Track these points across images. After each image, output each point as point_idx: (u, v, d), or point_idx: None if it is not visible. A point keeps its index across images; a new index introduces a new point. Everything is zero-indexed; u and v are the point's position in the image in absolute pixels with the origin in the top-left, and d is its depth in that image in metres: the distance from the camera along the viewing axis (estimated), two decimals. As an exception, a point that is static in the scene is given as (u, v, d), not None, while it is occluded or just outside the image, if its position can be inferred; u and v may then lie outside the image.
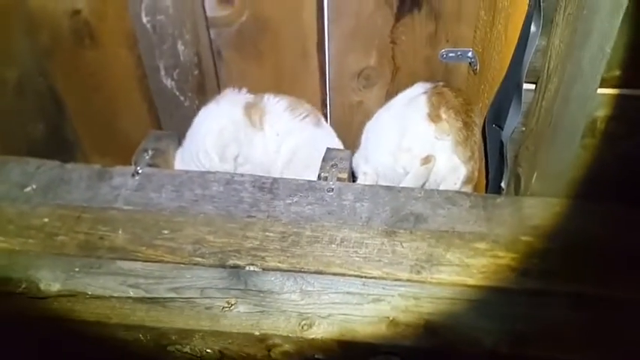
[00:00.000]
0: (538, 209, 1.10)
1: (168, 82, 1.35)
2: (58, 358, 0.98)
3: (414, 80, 1.34)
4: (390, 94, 1.38)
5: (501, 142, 1.18)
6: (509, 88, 1.14)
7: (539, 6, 1.01)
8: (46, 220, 1.06)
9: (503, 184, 1.22)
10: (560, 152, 1.11)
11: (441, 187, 1.23)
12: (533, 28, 1.05)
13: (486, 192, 1.25)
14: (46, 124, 1.46)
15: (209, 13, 1.28)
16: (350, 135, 1.45)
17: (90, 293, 0.93)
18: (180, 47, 1.29)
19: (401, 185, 1.25)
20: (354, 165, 1.34)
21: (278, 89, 1.34)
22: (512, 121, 1.15)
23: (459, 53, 1.32)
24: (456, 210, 1.10)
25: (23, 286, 0.94)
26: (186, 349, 0.92)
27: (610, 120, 1.16)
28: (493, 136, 1.18)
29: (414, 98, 1.23)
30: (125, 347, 0.93)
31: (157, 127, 1.45)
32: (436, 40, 1.30)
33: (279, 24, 1.29)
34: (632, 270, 0.97)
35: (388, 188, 1.16)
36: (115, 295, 0.93)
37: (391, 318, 0.90)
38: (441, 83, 1.27)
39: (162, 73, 1.33)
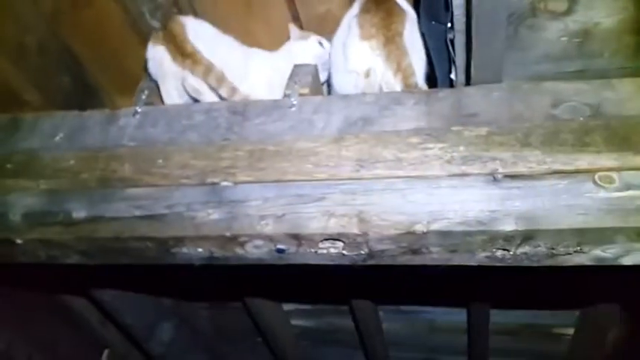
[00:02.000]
0: (476, 97, 1.20)
1: (155, 23, 1.52)
2: (92, 268, 1.31)
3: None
4: (347, 3, 1.46)
5: (446, 37, 1.26)
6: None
7: None
8: (72, 162, 1.34)
9: (453, 76, 1.31)
10: (489, 40, 1.18)
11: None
12: None
13: (436, 86, 1.35)
14: (71, 76, 1.73)
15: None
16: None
17: (107, 216, 1.22)
18: (156, -8, 1.45)
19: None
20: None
21: (249, 13, 1.48)
22: (448, 15, 1.22)
23: None
24: (400, 109, 1.23)
25: (61, 216, 1.25)
26: (184, 250, 1.20)
27: (548, -1, 1.19)
28: (435, 33, 1.26)
29: (350, 21, 1.33)
30: (141, 254, 1.23)
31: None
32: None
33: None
34: (548, 146, 1.08)
35: (343, 97, 1.30)
36: (126, 215, 1.22)
37: (331, 212, 1.11)
38: None
39: (148, 16, 1.50)
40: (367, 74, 1.29)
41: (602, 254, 1.02)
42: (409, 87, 1.29)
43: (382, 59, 1.27)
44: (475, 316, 2.29)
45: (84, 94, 1.77)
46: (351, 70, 1.32)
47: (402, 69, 1.27)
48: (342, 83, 1.38)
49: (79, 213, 1.24)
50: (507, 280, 2.03)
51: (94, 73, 1.72)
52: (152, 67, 1.44)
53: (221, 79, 1.36)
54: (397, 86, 1.29)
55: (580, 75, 1.30)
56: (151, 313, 2.26)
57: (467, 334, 2.43)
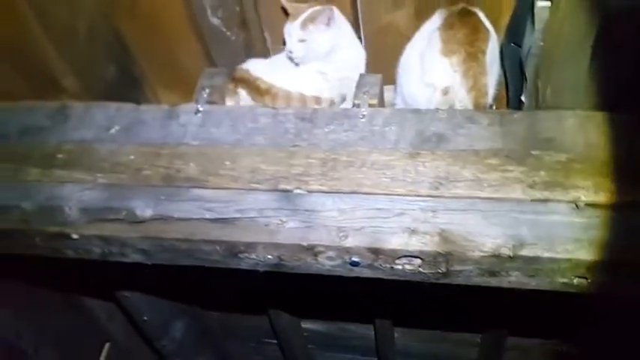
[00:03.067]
0: (551, 122, 1.21)
1: (215, 21, 1.49)
2: (158, 269, 1.27)
3: (439, -4, 1.41)
4: (419, 14, 1.46)
5: (520, 59, 1.27)
6: (524, 8, 1.20)
7: None
8: (132, 157, 1.30)
9: (523, 98, 1.32)
10: (571, 66, 1.20)
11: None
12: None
13: (507, 107, 1.36)
14: (116, 65, 1.68)
15: (246, -43, 1.39)
16: (383, 54, 1.57)
17: (176, 216, 1.19)
18: (222, -12, 1.42)
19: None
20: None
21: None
22: (529, 38, 1.23)
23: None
24: (475, 128, 1.23)
25: (124, 213, 1.22)
26: (252, 256, 1.18)
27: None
28: (512, 54, 1.27)
29: (431, 34, 1.32)
30: (207, 257, 1.20)
31: (209, 61, 1.62)
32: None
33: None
34: (629, 176, 1.10)
35: (414, 111, 1.30)
36: (195, 217, 1.19)
37: (412, 228, 1.10)
38: (457, 8, 1.34)
39: (209, 12, 1.47)
40: (445, 92, 1.29)
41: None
42: (479, 106, 1.30)
43: (460, 75, 1.28)
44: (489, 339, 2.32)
45: (126, 85, 1.73)
46: (429, 84, 1.32)
47: (477, 87, 1.28)
48: (416, 93, 1.38)
49: (145, 211, 1.21)
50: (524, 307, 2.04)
51: (142, 64, 1.68)
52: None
53: (303, 99, 1.36)
54: (469, 104, 1.30)
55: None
56: (166, 312, 2.22)
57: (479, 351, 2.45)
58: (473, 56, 1.27)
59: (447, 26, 1.31)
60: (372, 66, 1.63)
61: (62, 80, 1.73)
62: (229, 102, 1.50)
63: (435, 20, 1.36)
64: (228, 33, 1.51)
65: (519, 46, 1.25)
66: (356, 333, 2.59)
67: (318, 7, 1.43)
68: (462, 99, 1.30)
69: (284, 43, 1.49)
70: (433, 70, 1.30)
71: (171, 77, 1.69)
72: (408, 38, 1.46)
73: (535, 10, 1.19)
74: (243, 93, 1.48)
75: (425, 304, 2.21)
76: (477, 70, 1.27)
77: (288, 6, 1.46)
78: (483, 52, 1.28)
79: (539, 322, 2.24)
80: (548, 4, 1.19)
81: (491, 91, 1.33)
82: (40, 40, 1.60)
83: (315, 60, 1.45)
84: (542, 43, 1.25)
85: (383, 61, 1.59)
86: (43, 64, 1.67)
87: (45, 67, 1.68)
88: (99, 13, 1.54)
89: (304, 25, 1.41)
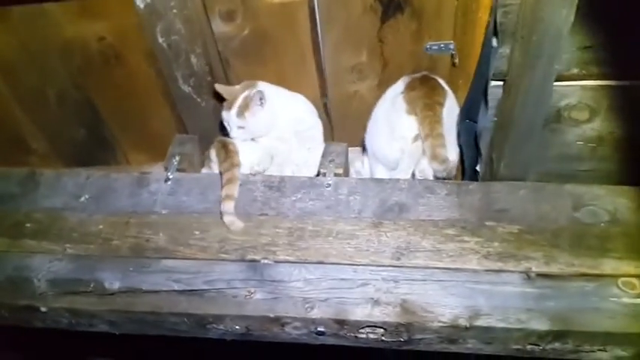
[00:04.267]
0: (503, 193, 1.30)
1: (186, 88, 1.54)
2: (123, 338, 1.28)
3: (402, 71, 1.50)
4: (382, 84, 1.54)
5: (476, 133, 1.35)
6: (479, 88, 1.29)
7: (496, 27, 1.15)
8: (101, 226, 1.33)
9: (478, 168, 1.41)
10: (522, 142, 1.29)
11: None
12: (494, 42, 1.19)
13: (463, 178, 1.44)
14: (86, 129, 1.70)
15: (215, 30, 1.44)
16: (349, 119, 1.64)
17: (144, 289, 1.21)
18: (194, 60, 1.47)
19: (400, 164, 1.45)
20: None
21: (281, 86, 1.53)
22: (484, 115, 1.32)
23: (441, 46, 1.45)
24: (434, 198, 1.30)
25: (92, 285, 1.23)
26: (220, 326, 1.21)
27: (572, 108, 1.32)
28: (467, 130, 1.36)
29: (395, 97, 1.42)
30: (175, 328, 1.22)
31: (180, 125, 1.66)
32: (419, 36, 1.43)
33: (277, 34, 1.44)
34: (574, 248, 1.18)
35: (377, 181, 1.37)
36: (164, 289, 1.21)
37: (375, 299, 1.15)
38: (418, 75, 1.44)
39: (181, 81, 1.52)
40: (415, 139, 1.37)
41: (622, 352, 1.12)
42: (436, 157, 1.35)
43: (418, 123, 1.36)
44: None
45: (96, 147, 1.75)
46: (399, 138, 1.40)
47: (433, 135, 1.34)
48: (386, 149, 1.46)
49: (113, 283, 1.22)
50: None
51: (113, 127, 1.70)
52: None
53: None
54: (428, 151, 1.36)
55: (591, 174, 1.44)
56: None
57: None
58: (430, 107, 1.35)
59: (409, 89, 1.40)
60: (338, 129, 1.71)
61: (31, 142, 1.75)
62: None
63: (399, 85, 1.44)
64: (199, 99, 1.56)
65: (475, 122, 1.33)
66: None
67: (247, 93, 1.43)
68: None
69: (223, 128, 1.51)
70: (402, 126, 1.38)
71: (142, 139, 1.73)
72: (371, 104, 1.54)
73: (489, 89, 1.28)
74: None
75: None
76: (434, 119, 1.34)
77: (222, 90, 1.48)
78: (440, 105, 1.36)
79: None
80: (501, 83, 1.28)
81: (452, 153, 1.40)
82: (9, 103, 1.63)
83: (259, 136, 1.48)
84: (495, 119, 1.35)
85: (349, 125, 1.66)
86: (12, 126, 1.69)
87: (13, 129, 1.70)
88: (70, 82, 1.57)
89: (240, 113, 1.42)
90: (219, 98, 1.52)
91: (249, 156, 1.44)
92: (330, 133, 1.71)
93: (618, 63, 1.21)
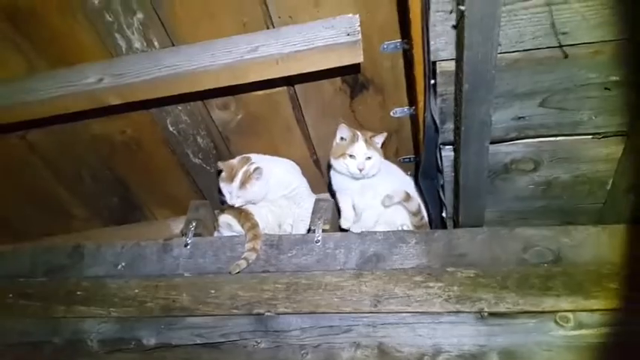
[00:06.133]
0: (464, 239, 1.53)
1: (197, 160, 1.83)
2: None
3: (375, 131, 1.74)
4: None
5: (437, 190, 1.59)
6: (430, 152, 1.51)
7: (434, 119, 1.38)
8: (136, 290, 1.63)
9: (444, 214, 1.64)
10: (473, 195, 1.51)
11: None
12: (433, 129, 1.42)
13: (431, 225, 1.68)
14: (118, 197, 2.02)
15: (214, 117, 1.72)
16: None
17: (173, 344, 1.51)
18: (200, 140, 1.76)
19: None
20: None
21: (276, 152, 1.80)
22: (441, 174, 1.55)
23: (405, 110, 1.69)
24: (405, 247, 1.55)
25: (133, 343, 1.54)
26: (235, 372, 1.50)
27: (518, 162, 1.53)
28: (429, 187, 1.59)
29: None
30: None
31: (195, 188, 1.97)
32: (385, 105, 1.67)
33: (266, 115, 1.71)
34: (520, 288, 1.41)
35: (358, 235, 1.62)
36: (189, 343, 1.51)
37: (357, 342, 1.42)
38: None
39: (191, 156, 1.81)
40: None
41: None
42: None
43: None
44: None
45: (128, 209, 2.07)
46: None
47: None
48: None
49: (149, 340, 1.53)
50: None
51: (139, 193, 2.02)
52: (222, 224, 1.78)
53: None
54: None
55: (546, 209, 1.65)
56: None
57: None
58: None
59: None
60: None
61: (73, 210, 2.07)
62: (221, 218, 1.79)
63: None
64: (208, 167, 1.85)
65: (432, 179, 1.57)
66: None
67: (246, 168, 1.67)
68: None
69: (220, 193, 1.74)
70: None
71: (165, 199, 2.04)
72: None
73: (442, 153, 1.51)
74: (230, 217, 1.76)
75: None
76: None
77: (222, 166, 1.70)
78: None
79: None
80: (451, 148, 1.51)
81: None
82: (53, 184, 1.95)
83: (255, 202, 1.73)
84: (452, 174, 1.58)
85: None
86: (57, 200, 2.02)
87: (58, 202, 2.03)
88: (101, 165, 1.89)
89: (242, 186, 1.65)
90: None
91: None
92: (324, 183, 1.97)
93: (548, 124, 1.41)
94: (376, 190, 1.69)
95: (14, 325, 1.64)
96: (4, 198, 2.02)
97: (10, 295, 1.70)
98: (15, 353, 1.60)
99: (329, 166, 1.75)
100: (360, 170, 1.62)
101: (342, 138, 1.66)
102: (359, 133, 1.65)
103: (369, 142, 1.65)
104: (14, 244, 2.03)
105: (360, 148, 1.63)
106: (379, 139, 1.68)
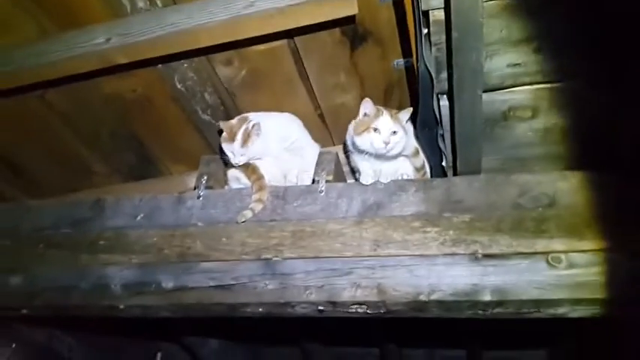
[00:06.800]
0: (460, 187, 1.58)
1: (206, 117, 1.90)
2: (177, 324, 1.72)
3: (377, 85, 1.78)
4: (362, 96, 1.82)
5: (436, 139, 1.63)
6: (427, 103, 1.55)
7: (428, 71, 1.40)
8: (155, 239, 1.74)
9: (444, 163, 1.69)
10: (469, 143, 1.54)
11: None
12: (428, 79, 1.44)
13: (432, 174, 1.73)
14: (135, 153, 2.13)
15: (219, 73, 1.78)
16: (340, 123, 1.94)
17: (189, 286, 1.63)
18: (207, 96, 1.82)
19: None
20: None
21: (281, 107, 1.86)
22: (438, 125, 1.59)
23: (405, 61, 1.71)
24: (404, 196, 1.61)
25: (153, 286, 1.66)
26: (247, 310, 1.61)
27: (515, 109, 1.56)
28: (427, 137, 1.64)
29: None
30: (214, 312, 1.64)
31: (205, 143, 2.05)
32: (386, 56, 1.69)
33: (269, 70, 1.75)
34: (514, 231, 1.47)
35: (359, 184, 1.68)
36: (203, 285, 1.62)
37: (358, 283, 1.51)
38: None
39: (200, 112, 1.88)
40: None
41: (553, 311, 1.42)
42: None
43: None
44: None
45: (145, 165, 2.17)
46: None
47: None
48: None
49: (168, 283, 1.65)
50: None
51: (154, 150, 2.11)
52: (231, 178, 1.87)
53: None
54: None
55: (544, 156, 1.68)
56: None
57: None
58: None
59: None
60: (334, 131, 2.02)
61: (94, 166, 2.19)
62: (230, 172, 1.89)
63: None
64: (217, 123, 1.93)
65: (431, 129, 1.60)
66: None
67: (245, 126, 1.71)
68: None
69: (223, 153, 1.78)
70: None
71: (179, 155, 2.13)
72: (356, 111, 1.82)
73: (440, 103, 1.54)
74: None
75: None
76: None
77: (223, 126, 1.75)
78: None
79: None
80: (445, 97, 1.53)
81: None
82: (73, 142, 2.06)
83: (257, 159, 1.78)
84: (450, 123, 1.61)
85: (341, 126, 1.96)
86: (77, 158, 2.13)
87: (79, 160, 2.14)
88: (116, 122, 1.98)
89: (243, 143, 1.70)
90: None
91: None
92: (329, 135, 2.02)
93: (544, 70, 1.43)
94: None
95: (45, 273, 1.79)
96: (30, 157, 2.15)
97: (41, 246, 1.85)
98: (46, 297, 1.75)
99: (345, 151, 1.77)
100: (386, 144, 1.59)
101: (365, 114, 1.65)
102: (383, 108, 1.65)
103: (394, 117, 1.63)
104: (42, 200, 2.17)
105: (385, 121, 1.61)
106: (404, 116, 1.66)
